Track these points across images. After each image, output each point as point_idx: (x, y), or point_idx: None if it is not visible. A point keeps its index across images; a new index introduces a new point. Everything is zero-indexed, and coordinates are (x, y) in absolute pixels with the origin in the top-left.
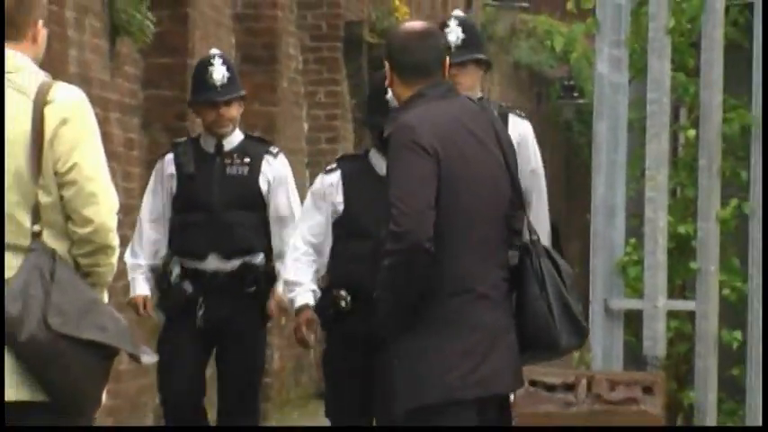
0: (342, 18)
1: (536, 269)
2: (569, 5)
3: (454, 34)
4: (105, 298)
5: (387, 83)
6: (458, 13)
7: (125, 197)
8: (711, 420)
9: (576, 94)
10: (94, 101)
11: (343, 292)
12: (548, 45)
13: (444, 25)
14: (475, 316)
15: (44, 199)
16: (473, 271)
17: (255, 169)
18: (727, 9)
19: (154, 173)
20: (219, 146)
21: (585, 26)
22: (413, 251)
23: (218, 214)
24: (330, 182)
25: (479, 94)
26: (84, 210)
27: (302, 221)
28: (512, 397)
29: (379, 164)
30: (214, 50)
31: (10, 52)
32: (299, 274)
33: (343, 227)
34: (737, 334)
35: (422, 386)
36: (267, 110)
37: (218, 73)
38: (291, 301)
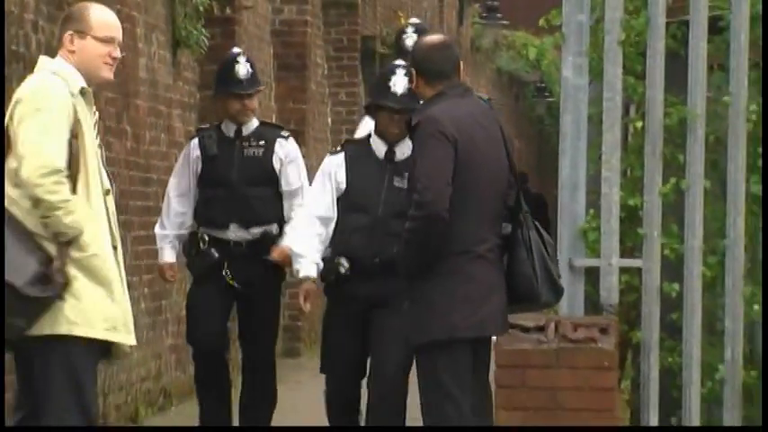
0: (359, 33)
1: (525, 239)
2: (541, 22)
3: (411, 39)
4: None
5: (413, 85)
6: (414, 20)
7: None
8: (654, 355)
9: (546, 94)
10: (160, 101)
11: (343, 260)
12: (524, 55)
13: (403, 32)
14: (473, 271)
15: (13, 164)
16: (474, 236)
17: (269, 150)
18: (667, 25)
19: (182, 155)
20: (239, 131)
21: (554, 39)
22: (433, 218)
23: (237, 189)
24: (336, 162)
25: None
26: (19, 169)
27: (311, 197)
28: (494, 338)
29: (379, 148)
30: (237, 49)
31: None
32: (304, 247)
33: (345, 202)
34: (676, 286)
35: (430, 325)
36: (299, 107)
37: (244, 69)
38: (297, 271)
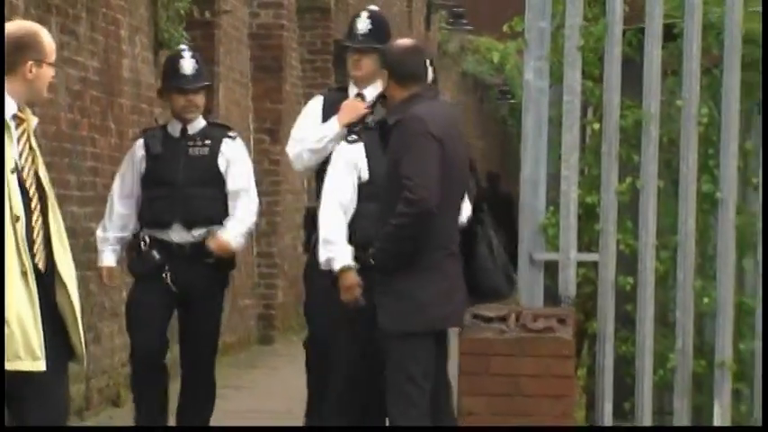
0: (332, 37)
1: (487, 236)
2: (505, 28)
3: (363, 24)
4: None
5: (383, 87)
6: (372, 7)
7: None
8: (609, 345)
9: (509, 97)
10: (143, 99)
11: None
12: (488, 59)
13: (357, 15)
14: (447, 267)
15: None
16: (447, 233)
17: (215, 150)
18: (624, 32)
19: (126, 157)
20: (184, 130)
21: (517, 44)
22: (424, 215)
23: (181, 189)
24: (357, 151)
25: (377, 82)
26: None
27: (334, 185)
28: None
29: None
30: (182, 46)
31: None
32: (337, 235)
33: (365, 191)
34: (630, 279)
35: (410, 317)
36: (275, 107)
37: (189, 64)
38: (329, 260)
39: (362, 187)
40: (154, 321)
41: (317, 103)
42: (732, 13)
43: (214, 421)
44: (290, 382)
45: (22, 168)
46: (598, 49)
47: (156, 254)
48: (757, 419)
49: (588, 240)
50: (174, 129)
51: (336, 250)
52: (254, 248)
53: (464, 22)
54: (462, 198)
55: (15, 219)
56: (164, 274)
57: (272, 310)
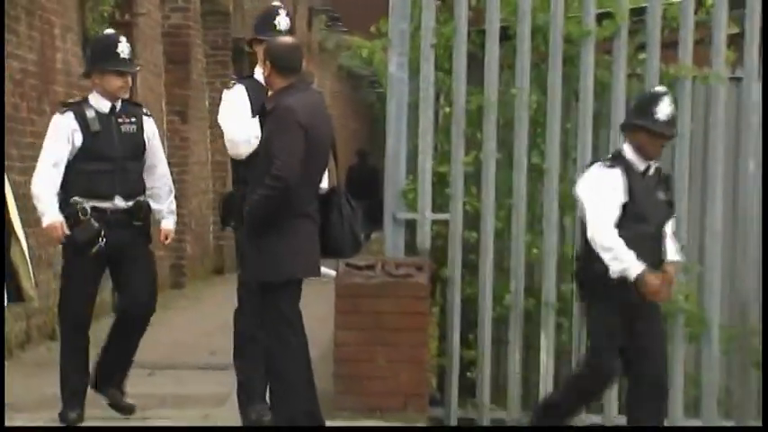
0: (231, 36)
1: (338, 204)
2: (372, 29)
3: (285, 21)
4: None
5: (265, 75)
6: (277, 3)
7: None
8: (457, 287)
9: (377, 86)
10: (73, 86)
11: None
12: (359, 54)
13: (276, 12)
14: (306, 229)
15: None
16: (306, 200)
17: (140, 127)
18: (468, 33)
19: (55, 126)
20: (113, 107)
21: (382, 42)
22: (286, 188)
23: (120, 163)
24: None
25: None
26: None
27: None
28: (333, 273)
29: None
30: (112, 31)
31: None
32: (618, 245)
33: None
34: (474, 233)
35: (273, 268)
36: (184, 93)
37: (126, 48)
38: (624, 270)
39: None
40: (90, 293)
41: (242, 92)
42: (555, 19)
43: (142, 350)
44: (197, 319)
45: None
46: (448, 46)
47: (94, 222)
48: (579, 348)
49: (440, 202)
50: (103, 106)
51: (626, 260)
52: None
53: (340, 24)
54: (322, 173)
55: None
56: (100, 240)
57: (182, 261)
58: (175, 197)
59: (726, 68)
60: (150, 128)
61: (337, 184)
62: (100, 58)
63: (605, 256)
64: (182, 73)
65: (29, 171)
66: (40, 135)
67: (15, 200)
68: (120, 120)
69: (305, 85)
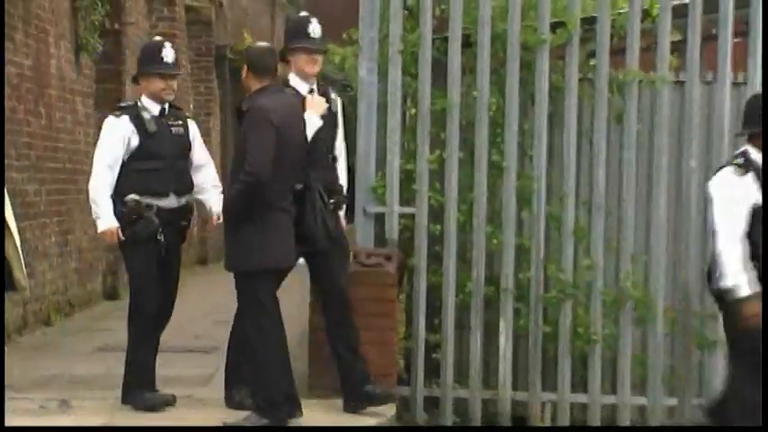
0: (213, 43)
1: (312, 199)
2: (344, 36)
3: (317, 28)
4: None
5: (243, 77)
6: (304, 13)
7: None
8: (423, 276)
9: (349, 89)
10: (67, 90)
11: None
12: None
13: (306, 20)
14: (280, 220)
15: None
16: (281, 195)
17: (186, 129)
18: (433, 40)
19: (111, 128)
20: (163, 110)
21: (353, 49)
22: (258, 183)
23: (171, 162)
24: None
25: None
26: None
27: (731, 218)
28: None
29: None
30: (159, 37)
31: None
32: (736, 260)
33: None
34: (438, 226)
35: (250, 258)
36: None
37: (170, 53)
38: (736, 287)
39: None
40: (158, 289)
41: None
42: (513, 28)
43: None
44: (182, 306)
45: None
46: (414, 52)
47: (155, 218)
48: (538, 332)
49: (407, 197)
50: (153, 108)
51: (738, 281)
52: None
53: None
54: (296, 169)
55: None
56: (159, 237)
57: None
58: None
59: (670, 73)
60: (194, 129)
61: (313, 179)
62: (146, 62)
63: (720, 270)
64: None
65: (26, 169)
66: (36, 135)
67: (12, 196)
68: (169, 121)
69: (279, 87)
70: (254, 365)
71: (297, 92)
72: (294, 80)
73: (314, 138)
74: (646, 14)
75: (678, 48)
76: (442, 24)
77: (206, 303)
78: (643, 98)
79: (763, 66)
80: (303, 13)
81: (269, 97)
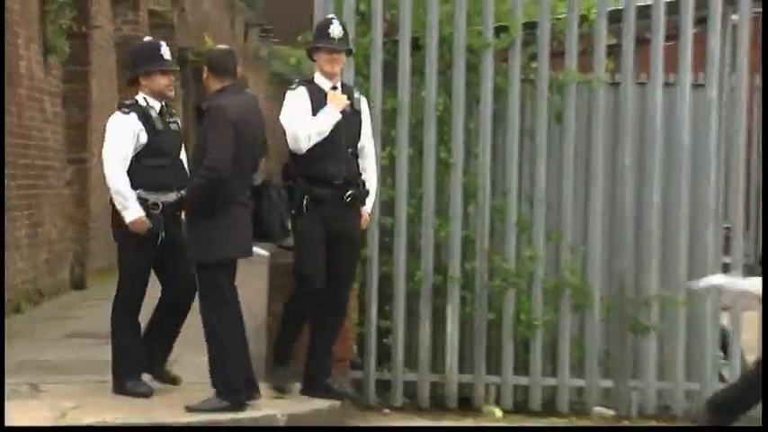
0: (176, 46)
1: (269, 194)
2: (299, 39)
3: (338, 29)
4: None
5: (204, 78)
6: (331, 15)
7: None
8: (375, 265)
9: None
10: (36, 90)
11: None
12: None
13: (328, 21)
14: (238, 215)
15: None
16: (239, 190)
17: (180, 126)
18: (384, 43)
19: (120, 124)
20: (162, 107)
21: (307, 51)
22: (218, 179)
23: (175, 159)
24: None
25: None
26: None
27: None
28: (266, 253)
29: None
30: (149, 38)
31: None
32: None
33: None
34: (390, 219)
35: (210, 250)
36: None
37: (167, 51)
38: None
39: None
40: (146, 283)
41: (304, 93)
42: (459, 32)
43: (100, 323)
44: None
45: None
46: (366, 55)
47: (160, 215)
48: (483, 318)
49: None
50: (154, 105)
51: None
52: None
53: (272, 35)
54: (254, 166)
55: None
56: (161, 235)
57: None
58: None
59: (605, 75)
60: (181, 126)
61: (270, 176)
62: (145, 61)
63: None
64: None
65: None
66: (7, 133)
67: None
68: (168, 118)
69: (239, 87)
70: (212, 349)
71: (320, 87)
72: (318, 78)
73: (333, 131)
74: (583, 19)
75: (613, 51)
76: (392, 28)
77: None
78: (581, 98)
79: (763, 65)
80: (329, 16)
81: (228, 97)
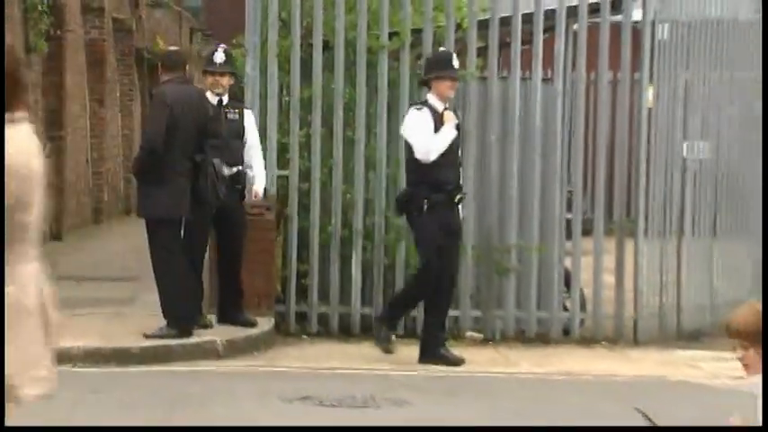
0: (134, 46)
1: (205, 165)
2: (235, 41)
3: (220, 55)
4: None
5: (159, 72)
6: (222, 45)
7: None
8: (295, 222)
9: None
10: None
11: None
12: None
13: (215, 51)
14: (178, 181)
15: None
16: (178, 161)
17: (241, 116)
18: (301, 44)
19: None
20: (220, 101)
21: (241, 51)
22: (152, 151)
23: (225, 140)
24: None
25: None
26: None
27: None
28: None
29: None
30: (218, 43)
31: None
32: None
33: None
34: (306, 184)
35: (155, 209)
36: (101, 86)
37: (219, 56)
38: None
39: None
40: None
41: (428, 114)
42: (360, 36)
43: (72, 266)
44: (111, 245)
45: None
46: (287, 54)
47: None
48: (381, 263)
49: (283, 163)
50: (213, 99)
51: None
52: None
53: (212, 37)
54: (192, 143)
55: None
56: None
57: (100, 204)
58: (94, 159)
59: (476, 71)
60: (249, 118)
61: (207, 152)
62: (204, 63)
63: None
64: (99, 73)
65: None
66: None
67: None
68: (226, 110)
69: (183, 79)
70: (161, 293)
71: (435, 108)
72: (432, 99)
73: (450, 144)
74: (458, 27)
75: (482, 52)
76: (308, 33)
77: (129, 243)
78: (458, 89)
79: (763, 65)
80: (443, 49)
81: (170, 86)
